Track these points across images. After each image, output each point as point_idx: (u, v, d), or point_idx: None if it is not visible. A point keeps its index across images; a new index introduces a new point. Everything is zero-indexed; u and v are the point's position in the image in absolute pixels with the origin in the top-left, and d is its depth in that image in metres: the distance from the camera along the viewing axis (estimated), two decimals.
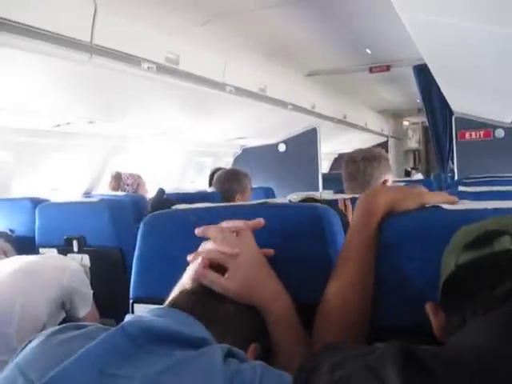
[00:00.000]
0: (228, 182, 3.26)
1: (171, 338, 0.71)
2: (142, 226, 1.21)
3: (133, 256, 1.22)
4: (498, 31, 2.18)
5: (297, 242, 1.07)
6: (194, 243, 1.05)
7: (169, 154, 5.59)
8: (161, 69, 3.13)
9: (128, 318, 0.80)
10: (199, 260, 0.95)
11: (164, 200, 3.07)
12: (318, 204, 1.15)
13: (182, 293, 0.93)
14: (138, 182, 4.05)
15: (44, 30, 2.29)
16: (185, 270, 1.01)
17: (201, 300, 0.88)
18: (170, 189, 3.89)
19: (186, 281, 0.97)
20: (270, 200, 1.21)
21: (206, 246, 0.99)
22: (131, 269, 1.22)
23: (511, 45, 2.44)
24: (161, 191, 3.15)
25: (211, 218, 1.13)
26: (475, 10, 2.01)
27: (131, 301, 1.19)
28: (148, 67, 3.01)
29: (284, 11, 3.75)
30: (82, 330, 0.75)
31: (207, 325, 0.79)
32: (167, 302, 0.93)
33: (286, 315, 0.94)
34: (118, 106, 3.59)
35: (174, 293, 0.97)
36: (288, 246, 1.06)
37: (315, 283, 0.98)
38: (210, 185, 3.60)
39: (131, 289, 1.19)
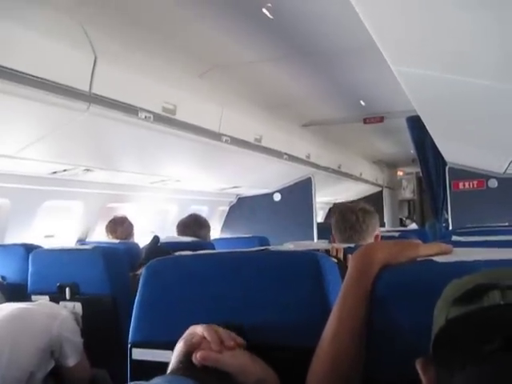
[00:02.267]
0: (193, 226, 3.41)
1: None
2: (144, 271, 1.23)
3: (126, 304, 1.23)
4: (490, 86, 2.23)
5: (295, 288, 1.09)
6: (196, 290, 1.09)
7: (165, 203, 5.59)
8: (158, 118, 3.17)
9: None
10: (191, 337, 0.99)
11: (158, 248, 3.06)
12: (317, 252, 1.19)
13: (181, 364, 0.95)
14: (130, 230, 4.07)
15: (43, 79, 2.33)
16: (185, 315, 1.05)
17: (200, 371, 0.91)
18: (164, 237, 3.89)
19: (182, 348, 0.98)
20: (270, 247, 1.24)
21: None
22: (124, 317, 1.22)
23: (502, 99, 2.50)
24: (155, 239, 3.14)
25: (213, 264, 1.18)
26: (466, 65, 2.06)
27: (129, 345, 1.18)
28: (145, 117, 3.05)
29: (281, 64, 3.84)
30: None
31: None
32: (169, 369, 0.95)
33: None
34: (115, 154, 3.63)
35: (174, 358, 0.98)
36: (287, 291, 1.08)
37: (312, 328, 0.98)
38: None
39: (130, 333, 1.20)
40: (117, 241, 3.77)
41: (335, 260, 1.78)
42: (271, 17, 2.88)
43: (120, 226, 4.04)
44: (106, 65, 2.66)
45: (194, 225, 3.63)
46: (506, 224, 4.36)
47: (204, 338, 0.99)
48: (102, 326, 2.55)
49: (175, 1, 2.65)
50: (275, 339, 1.05)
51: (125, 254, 2.99)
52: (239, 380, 0.94)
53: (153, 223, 5.35)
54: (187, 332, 1.01)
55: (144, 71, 3.03)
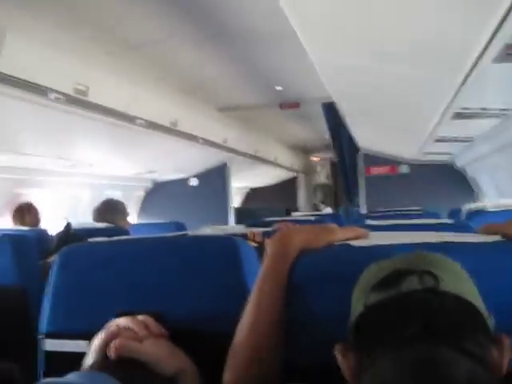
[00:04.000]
0: (108, 212, 3.33)
1: None
2: (57, 258, 1.18)
3: (37, 294, 1.17)
4: (401, 73, 2.29)
5: (213, 273, 1.08)
6: (112, 277, 1.07)
7: (77, 189, 5.41)
8: (69, 100, 3.04)
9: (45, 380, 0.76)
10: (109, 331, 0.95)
11: (71, 235, 2.95)
12: (235, 236, 1.17)
13: (98, 357, 0.92)
14: (37, 216, 3.91)
15: None
16: (101, 304, 1.03)
17: (116, 366, 0.87)
18: (77, 224, 3.75)
19: (101, 340, 0.95)
20: (188, 232, 1.23)
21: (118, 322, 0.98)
22: (36, 307, 1.16)
23: (413, 86, 2.57)
24: (68, 226, 3.02)
25: (129, 251, 1.15)
26: (380, 53, 2.10)
27: (40, 336, 1.12)
28: (56, 98, 2.91)
29: (197, 46, 3.78)
30: None
31: None
32: (84, 364, 0.91)
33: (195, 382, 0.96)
34: (22, 136, 3.45)
35: (91, 352, 0.94)
36: (205, 277, 1.07)
37: (231, 314, 0.97)
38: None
39: (42, 324, 1.13)
40: (25, 228, 3.60)
41: (254, 244, 1.78)
42: None
43: (27, 213, 3.86)
44: (15, 40, 2.51)
45: (109, 211, 3.52)
46: (415, 208, 4.55)
47: (124, 328, 0.96)
48: (12, 318, 2.42)
49: None
50: (194, 326, 1.03)
51: (34, 241, 2.85)
52: (158, 370, 0.92)
53: (65, 209, 5.16)
54: (107, 324, 0.98)
55: (55, 50, 2.89)
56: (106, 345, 0.93)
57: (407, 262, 0.73)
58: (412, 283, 0.68)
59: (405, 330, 0.64)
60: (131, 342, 0.92)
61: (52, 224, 3.92)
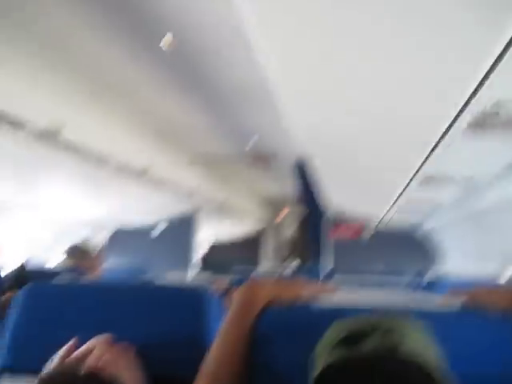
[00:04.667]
0: (80, 256, 3.29)
1: None
2: (21, 294, 1.18)
3: None
4: (376, 135, 2.33)
5: (178, 321, 1.09)
6: (76, 318, 1.10)
7: (38, 227, 5.31)
8: (41, 136, 3.01)
9: None
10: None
11: (25, 275, 2.87)
12: (202, 284, 1.21)
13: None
14: None
15: None
16: (61, 343, 1.02)
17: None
18: (36, 263, 3.66)
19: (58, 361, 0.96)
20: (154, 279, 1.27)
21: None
22: None
23: (386, 148, 2.62)
24: (23, 265, 2.95)
25: (96, 294, 1.16)
26: (356, 112, 2.14)
27: None
28: (28, 131, 2.88)
29: (172, 92, 3.81)
30: None
31: None
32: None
33: None
34: None
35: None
36: (169, 323, 1.09)
37: (192, 360, 0.98)
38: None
39: (1, 359, 1.12)
40: None
41: (220, 291, 1.79)
42: (169, 47, 2.86)
43: None
44: None
45: (77, 254, 3.45)
46: (380, 269, 4.58)
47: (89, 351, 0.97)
48: None
49: (72, 14, 2.54)
50: (156, 371, 1.04)
51: None
52: None
53: (25, 247, 5.06)
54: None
55: (31, 85, 2.87)
56: (63, 361, 0.95)
57: (370, 323, 0.73)
58: (373, 343, 0.68)
59: None
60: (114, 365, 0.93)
61: (9, 261, 3.81)
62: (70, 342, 1.00)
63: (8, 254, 4.05)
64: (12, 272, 2.99)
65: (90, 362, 0.93)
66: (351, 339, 0.70)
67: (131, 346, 1.03)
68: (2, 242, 3.91)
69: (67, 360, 0.96)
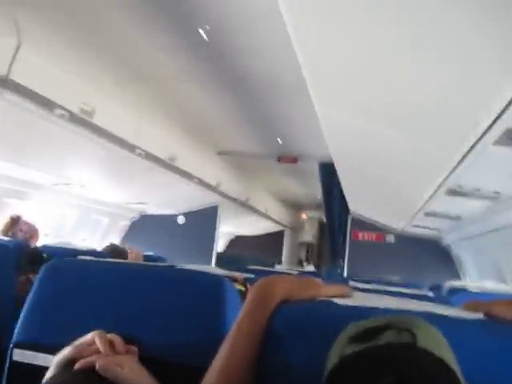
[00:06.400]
0: (117, 255, 3.30)
1: None
2: (43, 270, 1.18)
3: (8, 305, 1.16)
4: (403, 141, 2.33)
5: (196, 307, 1.08)
6: (94, 297, 1.08)
7: (64, 207, 5.38)
8: (74, 118, 3.06)
9: None
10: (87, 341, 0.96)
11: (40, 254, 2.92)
12: (221, 275, 1.18)
13: (59, 374, 0.91)
14: (32, 233, 3.84)
15: None
16: (77, 321, 1.04)
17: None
18: (57, 242, 3.71)
19: (66, 355, 0.94)
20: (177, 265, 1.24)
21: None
22: (4, 318, 1.15)
23: (412, 156, 2.61)
24: (38, 248, 3.00)
25: (116, 273, 1.15)
26: (385, 118, 2.14)
27: (12, 345, 1.11)
28: (61, 114, 2.93)
29: (205, 88, 3.84)
30: None
31: None
32: (45, 380, 0.90)
33: None
34: (21, 146, 3.45)
35: (54, 367, 0.93)
36: (187, 309, 1.08)
37: (207, 349, 0.95)
38: None
39: (16, 332, 1.13)
40: (6, 238, 3.54)
41: (240, 287, 1.78)
42: (206, 39, 2.88)
43: (14, 224, 3.80)
44: (29, 52, 2.55)
45: (114, 253, 3.49)
46: (397, 278, 4.56)
47: (92, 344, 0.95)
48: None
49: (116, 3, 2.59)
50: (170, 356, 1.03)
51: (13, 252, 2.81)
52: None
53: (51, 226, 5.14)
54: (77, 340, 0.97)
55: (67, 67, 2.92)
56: (68, 360, 0.92)
57: (387, 321, 0.73)
58: (389, 337, 0.68)
59: (378, 381, 0.63)
60: (115, 365, 0.91)
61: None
62: (88, 336, 0.97)
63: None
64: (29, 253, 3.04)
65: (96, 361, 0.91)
66: (366, 335, 0.69)
67: (135, 349, 1.00)
68: (37, 225, 3.94)
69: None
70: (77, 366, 0.90)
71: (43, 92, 2.76)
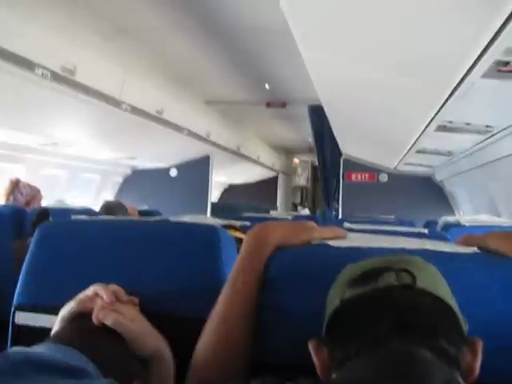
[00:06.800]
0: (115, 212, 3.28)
1: (53, 368, 0.67)
2: (37, 233, 1.18)
3: (6, 271, 1.16)
4: (391, 79, 2.30)
5: (192, 259, 1.08)
6: (90, 256, 1.09)
7: (54, 168, 5.34)
8: (56, 77, 3.00)
9: (12, 349, 0.75)
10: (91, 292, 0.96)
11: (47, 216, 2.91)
12: (216, 225, 1.18)
13: (67, 328, 0.91)
14: (33, 194, 3.81)
15: None
16: (77, 280, 1.02)
17: (88, 336, 0.87)
18: (51, 202, 3.71)
19: (72, 308, 0.95)
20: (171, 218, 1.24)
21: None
22: (4, 284, 1.15)
23: (401, 95, 2.59)
24: (45, 209, 2.99)
25: (110, 231, 1.16)
26: (370, 57, 2.11)
27: (13, 308, 1.12)
28: (42, 74, 2.87)
29: (188, 36, 3.76)
30: None
31: (92, 360, 0.76)
32: (52, 333, 0.91)
33: (169, 364, 0.96)
34: (7, 110, 3.40)
35: (60, 322, 0.94)
36: (183, 262, 1.08)
37: (206, 300, 0.97)
38: None
39: (16, 296, 1.13)
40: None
41: (238, 235, 1.78)
42: None
43: (14, 187, 3.77)
44: (3, 12, 2.47)
45: (111, 210, 3.46)
46: (392, 217, 4.59)
47: (95, 296, 0.96)
48: None
49: None
50: (169, 309, 1.04)
51: (8, 218, 2.80)
52: (135, 349, 0.92)
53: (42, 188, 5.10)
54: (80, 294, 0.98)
55: (46, 25, 2.85)
56: (74, 313, 0.93)
57: (385, 261, 0.73)
58: (389, 279, 0.69)
59: (379, 324, 0.64)
60: (116, 314, 0.91)
61: None
62: (89, 291, 0.97)
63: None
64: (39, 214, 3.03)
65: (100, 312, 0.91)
66: (365, 278, 0.70)
67: (136, 300, 1.01)
68: (37, 186, 3.91)
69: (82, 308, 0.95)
70: (94, 319, 0.90)
71: (23, 53, 2.69)
